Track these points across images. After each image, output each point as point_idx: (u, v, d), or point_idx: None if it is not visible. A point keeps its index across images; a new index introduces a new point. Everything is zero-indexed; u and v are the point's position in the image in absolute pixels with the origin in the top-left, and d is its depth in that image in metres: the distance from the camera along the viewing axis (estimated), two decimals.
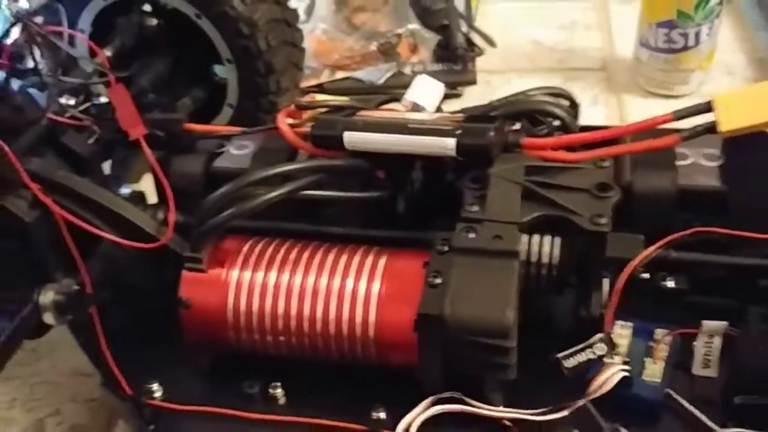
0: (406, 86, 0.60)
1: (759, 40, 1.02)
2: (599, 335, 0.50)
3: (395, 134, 0.54)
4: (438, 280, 0.48)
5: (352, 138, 0.54)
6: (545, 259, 0.52)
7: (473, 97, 0.99)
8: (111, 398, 0.55)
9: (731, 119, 0.52)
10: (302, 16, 1.09)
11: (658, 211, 0.55)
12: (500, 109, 0.57)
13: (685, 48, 0.92)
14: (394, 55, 1.01)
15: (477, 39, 1.04)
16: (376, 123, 0.55)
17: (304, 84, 0.98)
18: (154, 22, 0.78)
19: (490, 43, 1.03)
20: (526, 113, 0.58)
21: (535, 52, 1.08)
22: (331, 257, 0.52)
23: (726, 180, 0.55)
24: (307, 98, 0.60)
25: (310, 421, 0.49)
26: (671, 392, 0.49)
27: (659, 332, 0.52)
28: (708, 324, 0.50)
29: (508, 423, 0.49)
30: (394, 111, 0.60)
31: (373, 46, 1.02)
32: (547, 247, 0.52)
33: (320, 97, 0.60)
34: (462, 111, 0.58)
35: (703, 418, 0.47)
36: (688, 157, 0.57)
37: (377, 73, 1.00)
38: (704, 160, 0.57)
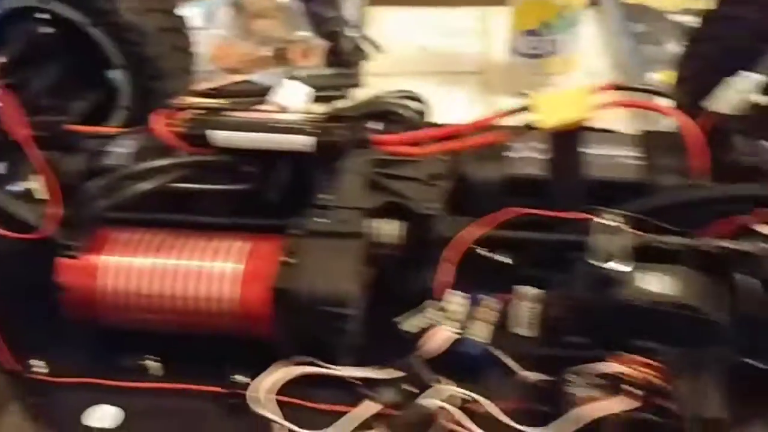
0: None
1: (621, 45, 1.13)
2: (428, 301, 0.58)
3: (258, 133, 0.61)
4: (292, 260, 0.55)
5: (216, 136, 0.61)
6: (391, 240, 0.59)
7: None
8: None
9: (548, 117, 0.61)
10: (202, 22, 1.16)
11: (490, 197, 0.63)
12: (357, 110, 0.65)
13: (549, 54, 1.02)
14: (287, 60, 1.08)
15: (366, 45, 1.12)
16: (241, 123, 0.62)
17: (202, 86, 1.05)
18: (48, 30, 0.83)
19: (377, 48, 1.11)
20: (379, 113, 0.65)
21: (421, 56, 1.17)
22: (199, 243, 0.59)
23: (548, 168, 0.64)
24: (185, 100, 0.66)
25: (178, 386, 0.56)
26: (493, 349, 0.57)
27: (487, 299, 0.60)
28: (518, 289, 0.58)
29: (355, 380, 0.56)
30: (265, 111, 0.67)
31: (268, 51, 1.09)
32: (392, 229, 0.59)
33: (196, 99, 0.66)
34: (326, 112, 0.66)
35: (515, 366, 0.55)
36: (520, 150, 0.66)
37: (270, 77, 1.07)
38: (533, 152, 0.66)
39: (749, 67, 0.72)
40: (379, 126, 0.66)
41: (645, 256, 0.54)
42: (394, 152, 0.62)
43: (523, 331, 0.59)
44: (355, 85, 1.09)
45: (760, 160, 0.60)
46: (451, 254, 0.58)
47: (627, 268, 0.52)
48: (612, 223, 0.55)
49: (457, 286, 0.60)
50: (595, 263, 0.52)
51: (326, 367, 0.56)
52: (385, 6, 1.26)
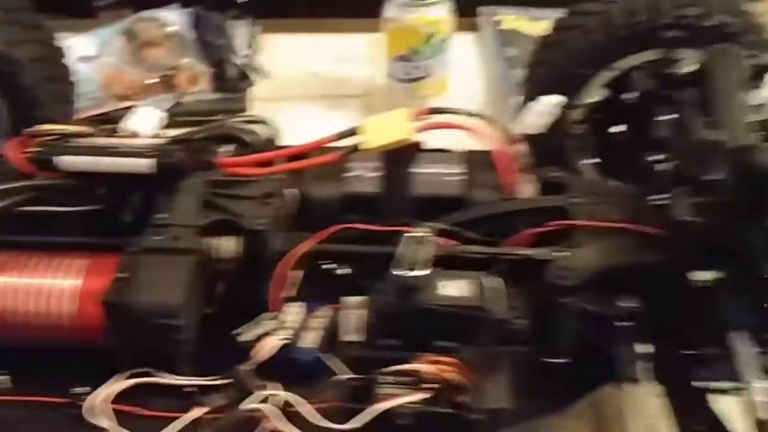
0: (183, 113, 0.71)
1: (494, 69, 1.20)
2: (265, 313, 0.62)
3: (100, 157, 0.65)
4: (124, 275, 0.59)
5: (63, 161, 0.64)
6: (228, 255, 0.64)
7: None
8: None
9: (374, 139, 0.67)
10: (95, 51, 1.20)
11: (327, 213, 0.68)
12: (201, 134, 0.69)
13: (421, 78, 1.08)
14: (174, 86, 1.12)
15: (252, 71, 1.17)
16: (86, 147, 0.66)
17: (91, 113, 1.08)
18: None
19: (263, 74, 1.16)
20: (223, 137, 0.70)
21: (308, 81, 1.22)
22: (42, 261, 0.62)
23: (380, 186, 0.69)
24: (37, 128, 0.70)
25: (25, 398, 0.59)
26: (322, 355, 0.62)
27: (321, 308, 0.65)
28: (346, 299, 0.63)
29: (191, 389, 0.60)
30: (117, 136, 0.71)
31: (156, 78, 1.13)
32: (226, 246, 0.64)
33: (51, 126, 0.70)
34: (173, 136, 0.70)
35: (340, 369, 0.60)
36: (357, 169, 0.71)
37: (158, 103, 1.10)
38: (368, 171, 0.71)
39: (575, 90, 0.79)
40: (230, 148, 0.71)
41: (449, 264, 0.60)
42: (235, 173, 0.67)
43: (351, 336, 0.63)
44: (242, 110, 1.14)
45: (561, 176, 0.67)
46: (283, 268, 0.63)
47: (425, 275, 0.57)
48: (420, 235, 0.60)
49: (299, 296, 0.65)
50: (398, 272, 0.57)
51: (160, 377, 0.60)
52: (278, 33, 1.32)
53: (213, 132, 0.69)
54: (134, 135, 0.70)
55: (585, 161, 0.77)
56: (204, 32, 1.18)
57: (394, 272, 0.58)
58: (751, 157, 0.50)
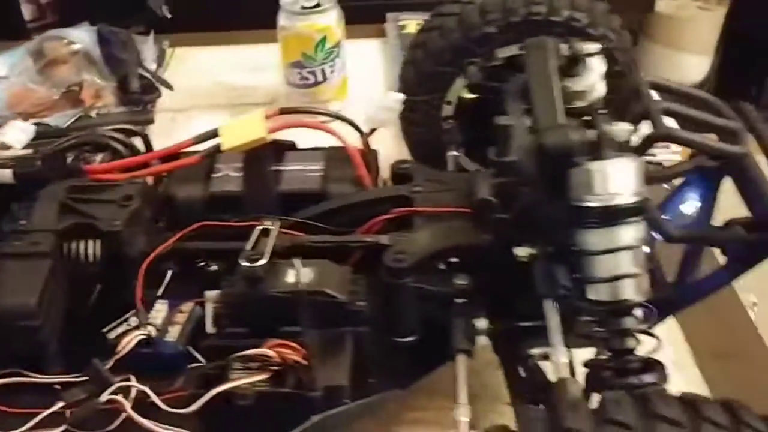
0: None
1: (395, 72, 1.24)
2: (132, 311, 0.65)
3: None
4: None
5: None
6: (88, 257, 0.67)
7: (158, 134, 1.14)
8: None
9: (230, 140, 0.70)
10: (6, 71, 1.22)
11: (193, 213, 0.71)
12: (70, 142, 0.72)
13: (317, 83, 1.11)
14: (80, 102, 1.15)
15: (158, 83, 1.20)
16: None
17: None
18: None
19: (168, 86, 1.19)
20: (92, 144, 0.73)
21: (217, 91, 1.25)
22: None
23: (243, 185, 0.73)
24: None
25: None
26: (183, 347, 0.65)
27: (187, 304, 0.68)
28: (208, 293, 0.66)
29: (57, 386, 0.63)
30: None
31: (61, 95, 1.15)
32: (88, 249, 0.67)
33: None
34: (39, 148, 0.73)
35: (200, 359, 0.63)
36: (221, 171, 0.74)
37: (64, 119, 1.13)
38: (232, 171, 0.74)
39: (441, 88, 0.83)
40: (97, 157, 0.74)
41: (297, 254, 0.63)
42: (99, 179, 0.70)
43: (209, 328, 0.66)
44: (149, 122, 1.17)
45: (408, 167, 0.70)
46: (146, 267, 0.66)
47: (270, 265, 0.60)
48: (266, 227, 0.64)
49: (168, 294, 0.68)
50: (244, 263, 0.60)
51: (27, 376, 0.63)
52: (189, 47, 1.35)
53: (85, 140, 0.72)
54: (5, 147, 0.73)
55: (451, 153, 0.80)
56: (110, 48, 1.21)
57: (241, 263, 0.61)
58: (542, 137, 0.54)
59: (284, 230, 0.65)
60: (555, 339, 0.54)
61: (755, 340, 0.82)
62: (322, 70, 1.10)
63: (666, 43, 2.18)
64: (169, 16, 1.67)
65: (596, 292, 0.55)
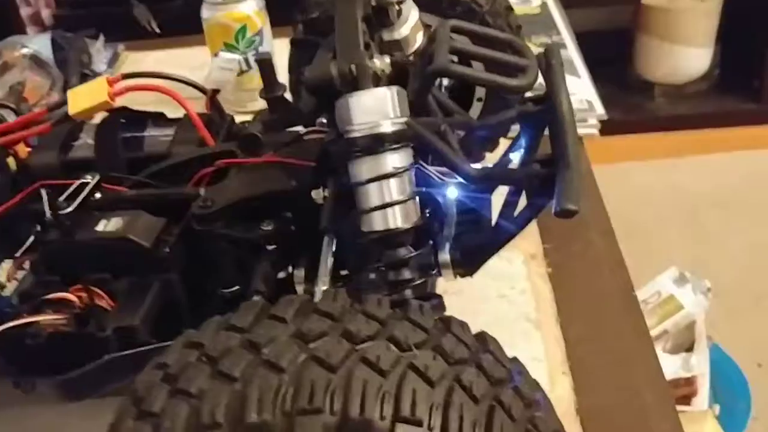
0: None
1: None
2: None
3: None
4: None
5: None
6: None
7: None
8: None
9: (76, 105, 0.73)
10: None
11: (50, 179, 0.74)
12: None
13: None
14: (23, 99, 1.20)
15: None
16: None
17: None
18: None
19: None
20: None
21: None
22: None
23: (95, 151, 0.75)
24: None
25: None
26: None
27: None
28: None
29: None
30: None
31: (4, 94, 1.22)
32: None
33: None
34: None
35: None
36: (81, 138, 0.77)
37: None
38: (90, 139, 0.77)
39: None
40: None
41: (115, 206, 0.65)
42: None
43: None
44: None
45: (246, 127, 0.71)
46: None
47: (82, 215, 0.62)
48: (85, 182, 0.66)
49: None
50: (51, 214, 0.63)
51: None
52: (144, 51, 1.41)
53: None
54: None
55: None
56: (64, 51, 1.27)
57: (58, 213, 0.63)
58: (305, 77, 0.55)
59: (108, 186, 0.67)
60: (322, 271, 0.54)
61: None
62: (246, 59, 1.13)
63: (663, 36, 2.14)
64: (158, 31, 1.72)
65: (368, 223, 0.54)
